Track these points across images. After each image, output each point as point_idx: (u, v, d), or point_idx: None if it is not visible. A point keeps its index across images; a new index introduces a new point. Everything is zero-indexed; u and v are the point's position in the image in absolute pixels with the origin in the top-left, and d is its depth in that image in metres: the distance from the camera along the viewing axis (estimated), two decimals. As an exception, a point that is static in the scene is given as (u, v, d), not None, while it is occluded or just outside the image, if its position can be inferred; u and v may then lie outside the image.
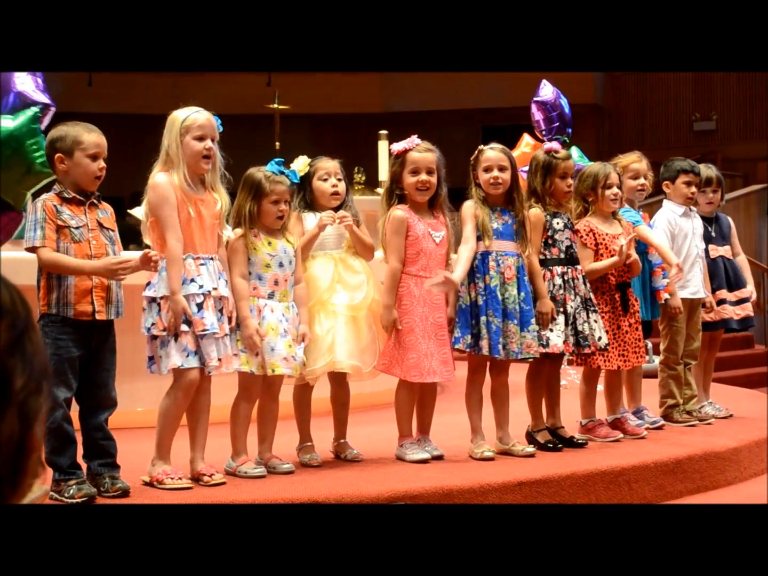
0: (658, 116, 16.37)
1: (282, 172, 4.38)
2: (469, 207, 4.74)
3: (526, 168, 5.21)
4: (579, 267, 5.00)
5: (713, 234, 6.06)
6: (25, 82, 4.98)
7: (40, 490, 1.12)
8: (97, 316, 3.89)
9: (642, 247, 5.48)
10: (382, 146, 8.38)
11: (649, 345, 7.49)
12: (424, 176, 4.57)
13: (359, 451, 4.67)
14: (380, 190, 5.96)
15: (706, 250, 5.98)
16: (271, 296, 4.34)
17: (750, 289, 6.07)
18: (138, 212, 4.40)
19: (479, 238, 4.70)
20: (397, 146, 4.65)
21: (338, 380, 4.69)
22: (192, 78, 13.86)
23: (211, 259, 4.16)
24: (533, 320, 4.72)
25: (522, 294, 4.70)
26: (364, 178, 9.66)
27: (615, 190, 5.18)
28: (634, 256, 5.18)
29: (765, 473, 5.20)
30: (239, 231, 4.35)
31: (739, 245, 6.23)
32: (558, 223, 4.96)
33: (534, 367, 5.01)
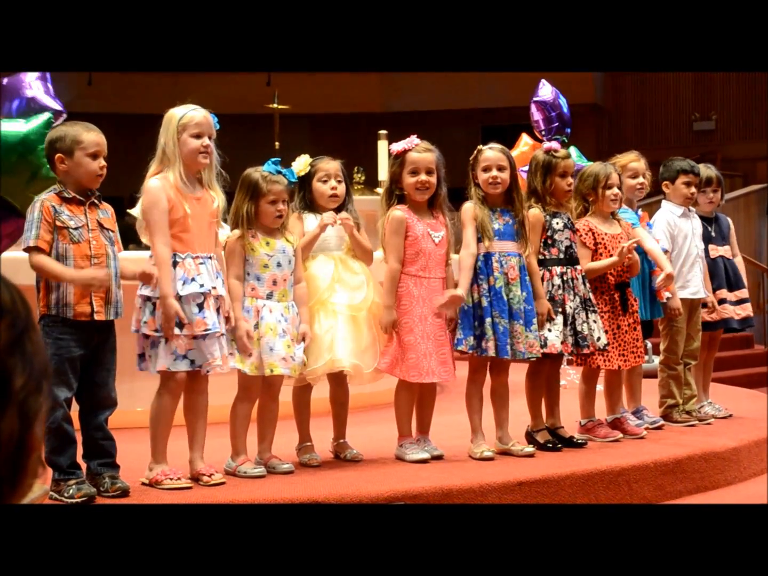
0: (657, 116, 16.36)
1: (279, 172, 4.37)
2: (468, 210, 4.74)
3: (526, 168, 5.21)
4: (578, 267, 5.00)
5: (713, 234, 6.06)
6: (36, 88, 4.99)
7: (40, 489, 1.13)
8: (96, 317, 3.89)
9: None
10: (382, 146, 8.37)
11: (649, 345, 7.49)
12: (423, 176, 4.57)
13: (359, 451, 4.67)
14: (380, 190, 5.96)
15: (706, 250, 5.98)
16: (269, 296, 4.34)
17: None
18: (136, 212, 4.41)
19: (479, 240, 4.70)
20: (397, 146, 4.65)
21: (338, 380, 4.68)
22: (192, 78, 13.86)
23: (210, 257, 4.16)
24: (534, 320, 4.73)
25: (524, 294, 4.70)
26: (363, 178, 9.66)
27: (615, 190, 5.18)
28: (635, 257, 5.18)
29: (765, 473, 5.20)
30: (237, 232, 4.35)
31: (737, 246, 6.23)
32: (557, 223, 4.96)
33: (533, 367, 5.01)
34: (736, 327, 6.19)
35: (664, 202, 5.93)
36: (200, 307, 4.06)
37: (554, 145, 5.13)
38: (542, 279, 4.89)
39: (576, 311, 4.91)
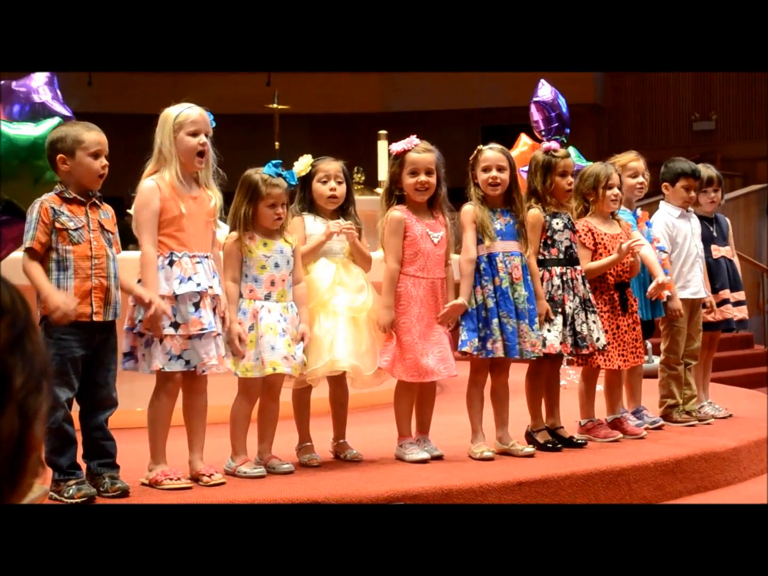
0: (657, 116, 16.37)
1: (279, 174, 4.36)
2: (467, 213, 4.73)
3: (525, 168, 5.20)
4: (578, 267, 5.00)
5: (715, 234, 6.07)
6: (44, 93, 5.00)
7: (39, 489, 1.13)
8: (95, 318, 3.89)
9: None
10: (382, 146, 8.38)
11: (649, 345, 7.49)
12: (423, 177, 4.57)
13: (359, 451, 4.67)
14: (380, 190, 5.96)
15: (709, 251, 5.98)
16: (267, 297, 4.34)
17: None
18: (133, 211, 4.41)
19: (480, 241, 4.69)
20: (396, 146, 4.65)
21: (337, 380, 4.68)
22: (192, 78, 13.85)
23: (206, 257, 4.16)
24: (536, 319, 4.74)
25: (527, 293, 4.71)
26: (363, 178, 9.66)
27: (616, 190, 5.18)
28: (637, 258, 5.18)
29: (764, 473, 5.20)
30: (234, 234, 4.35)
31: (734, 247, 6.24)
32: (557, 224, 4.96)
33: (533, 367, 5.01)
34: (735, 328, 6.22)
35: (662, 203, 5.93)
36: (196, 306, 4.06)
37: (553, 145, 5.13)
38: (542, 279, 4.89)
39: (575, 312, 4.91)
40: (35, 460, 1.07)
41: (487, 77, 13.97)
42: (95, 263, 3.90)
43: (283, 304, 4.36)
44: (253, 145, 12.96)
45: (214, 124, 4.22)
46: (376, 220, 4.77)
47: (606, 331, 5.06)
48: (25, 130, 4.83)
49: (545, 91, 6.93)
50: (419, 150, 4.60)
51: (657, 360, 6.02)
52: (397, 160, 4.62)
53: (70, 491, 3.82)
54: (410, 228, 4.59)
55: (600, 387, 5.40)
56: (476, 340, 4.62)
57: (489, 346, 4.61)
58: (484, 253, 4.69)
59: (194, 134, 4.11)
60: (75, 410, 3.97)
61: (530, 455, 4.71)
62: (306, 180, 4.62)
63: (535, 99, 6.92)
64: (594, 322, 4.96)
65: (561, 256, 4.96)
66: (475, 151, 4.80)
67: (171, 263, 4.06)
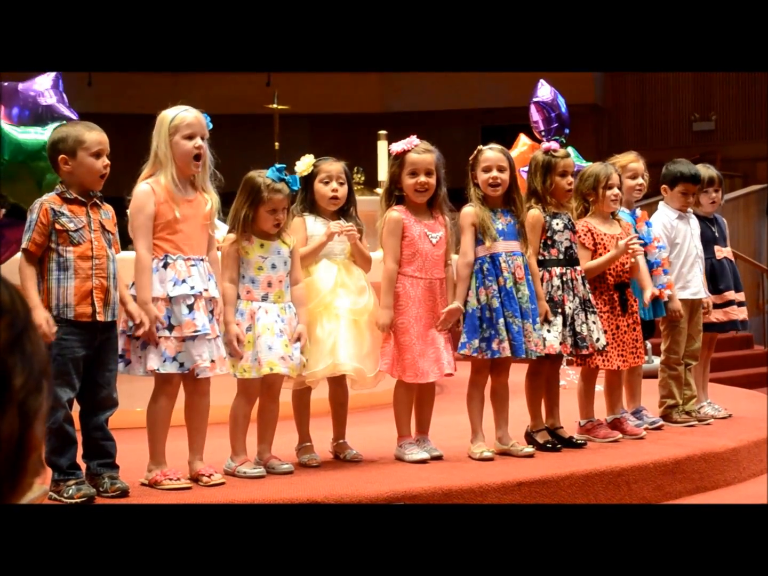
0: (657, 116, 16.37)
1: (282, 179, 4.35)
2: (467, 215, 4.72)
3: (525, 168, 5.20)
4: (578, 268, 5.00)
5: (716, 234, 6.07)
6: (49, 97, 5.01)
7: (39, 489, 1.12)
8: (97, 317, 3.89)
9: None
10: (382, 146, 8.37)
11: (649, 345, 7.49)
12: (422, 178, 4.57)
13: (358, 452, 4.66)
14: (379, 191, 5.96)
15: (712, 251, 5.99)
16: (264, 298, 4.34)
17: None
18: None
19: (481, 241, 4.69)
20: (396, 147, 4.65)
21: (337, 380, 4.68)
22: (192, 78, 13.86)
23: (202, 260, 4.15)
24: (538, 319, 4.74)
25: (529, 293, 4.71)
26: (363, 178, 9.66)
27: (616, 190, 5.18)
28: (637, 260, 5.17)
29: (764, 473, 5.20)
30: (231, 237, 4.35)
31: (730, 247, 6.27)
32: (557, 224, 4.96)
33: (533, 367, 5.01)
34: (739, 328, 6.25)
35: (660, 204, 5.94)
36: (190, 308, 4.05)
37: (553, 145, 5.13)
38: (542, 280, 4.89)
39: (575, 312, 4.91)
40: (35, 460, 1.07)
41: (487, 77, 13.96)
42: (96, 263, 3.91)
43: (281, 305, 4.36)
44: (253, 145, 12.97)
45: (210, 126, 4.20)
46: (376, 221, 4.76)
47: (605, 332, 5.05)
48: (34, 135, 4.85)
49: (545, 91, 6.93)
50: (419, 151, 4.59)
51: (657, 360, 6.02)
52: (397, 160, 4.62)
53: (70, 491, 3.82)
54: (408, 228, 4.59)
55: (600, 387, 5.41)
56: (476, 341, 4.61)
57: (495, 346, 4.61)
58: (486, 253, 4.68)
59: (190, 137, 4.10)
60: (75, 410, 3.97)
61: (530, 455, 4.71)
62: (307, 180, 4.62)
63: (534, 99, 6.92)
64: (594, 322, 4.96)
65: (561, 256, 4.96)
66: (475, 152, 4.80)
67: (165, 266, 4.06)
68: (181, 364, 4.05)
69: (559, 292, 4.90)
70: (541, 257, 4.94)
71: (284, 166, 4.42)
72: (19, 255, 4.02)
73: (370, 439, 5.09)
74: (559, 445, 4.88)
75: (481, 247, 4.69)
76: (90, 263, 3.90)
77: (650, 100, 16.38)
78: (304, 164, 4.63)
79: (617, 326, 5.16)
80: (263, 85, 13.17)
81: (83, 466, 3.95)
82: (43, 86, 5.00)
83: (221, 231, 4.47)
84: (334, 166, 4.63)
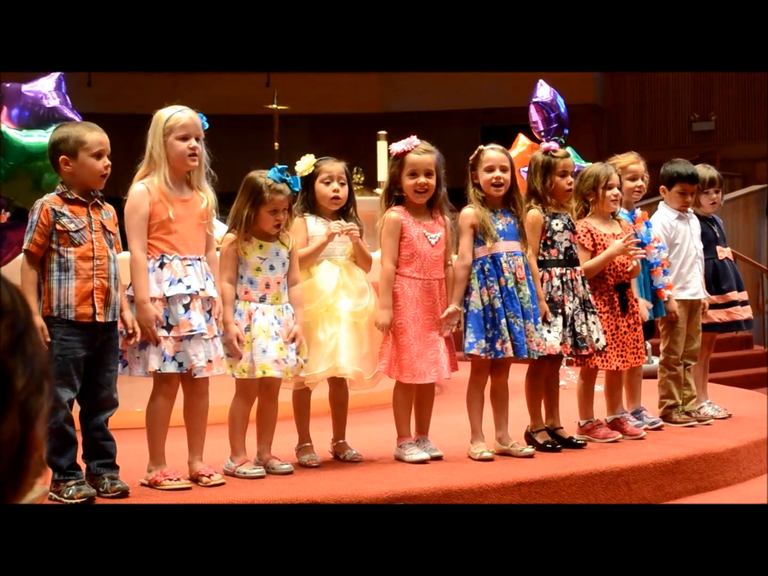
0: (657, 116, 16.37)
1: (284, 180, 4.35)
2: (467, 217, 4.72)
3: (524, 168, 5.20)
4: (578, 268, 5.00)
5: (717, 235, 6.08)
6: (52, 98, 5.01)
7: (40, 490, 1.12)
8: (98, 318, 3.89)
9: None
10: (381, 147, 8.37)
11: (648, 345, 7.49)
12: (422, 179, 4.56)
13: (358, 452, 4.66)
14: (379, 191, 5.96)
15: (714, 251, 5.99)
16: (262, 300, 4.34)
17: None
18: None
19: (482, 242, 4.69)
20: (396, 147, 4.64)
21: (337, 381, 4.68)
22: (192, 78, 13.86)
23: (199, 259, 4.15)
24: (539, 318, 4.74)
25: (530, 292, 4.71)
26: (363, 178, 9.66)
27: (616, 191, 5.18)
28: (637, 262, 5.17)
29: (764, 474, 5.20)
30: (230, 236, 4.35)
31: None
32: (557, 225, 4.96)
33: (533, 367, 5.01)
34: (743, 328, 6.26)
35: (660, 205, 5.94)
36: (186, 307, 4.05)
37: (552, 145, 5.13)
38: (542, 280, 4.89)
39: (575, 312, 4.91)
40: (36, 461, 1.07)
41: (487, 77, 13.96)
42: (97, 264, 3.91)
43: (278, 306, 4.36)
44: (252, 145, 12.97)
45: (206, 126, 4.20)
46: (375, 221, 4.76)
47: (605, 332, 5.05)
48: (37, 137, 4.85)
49: (544, 91, 6.93)
50: (419, 151, 4.59)
51: (656, 360, 6.02)
52: (397, 160, 4.61)
53: (70, 492, 3.82)
54: (407, 229, 4.59)
55: (599, 387, 5.41)
56: (483, 341, 4.61)
57: (498, 346, 4.61)
58: (487, 254, 4.68)
59: (184, 138, 4.10)
60: (75, 410, 3.97)
61: (530, 456, 4.71)
62: (308, 180, 4.62)
63: (534, 99, 6.92)
64: (594, 323, 4.96)
65: (561, 257, 4.96)
66: (476, 152, 4.79)
67: (162, 265, 4.06)
68: (180, 364, 4.05)
69: (559, 293, 4.90)
70: (540, 257, 4.94)
71: (285, 166, 4.42)
72: (21, 256, 4.02)
73: (370, 439, 5.09)
74: (559, 446, 4.88)
75: (482, 248, 4.69)
76: (91, 264, 3.90)
77: (650, 100, 16.38)
78: (305, 164, 4.63)
79: (617, 327, 5.16)
80: (263, 85, 13.16)
81: (83, 466, 3.95)
82: (46, 88, 5.00)
83: (219, 231, 4.47)
84: (335, 167, 4.63)
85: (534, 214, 4.92)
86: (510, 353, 4.61)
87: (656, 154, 9.78)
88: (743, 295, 6.10)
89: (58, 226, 3.87)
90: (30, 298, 3.80)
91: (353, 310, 4.52)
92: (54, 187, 4.04)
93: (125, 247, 4.33)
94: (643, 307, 5.42)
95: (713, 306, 5.94)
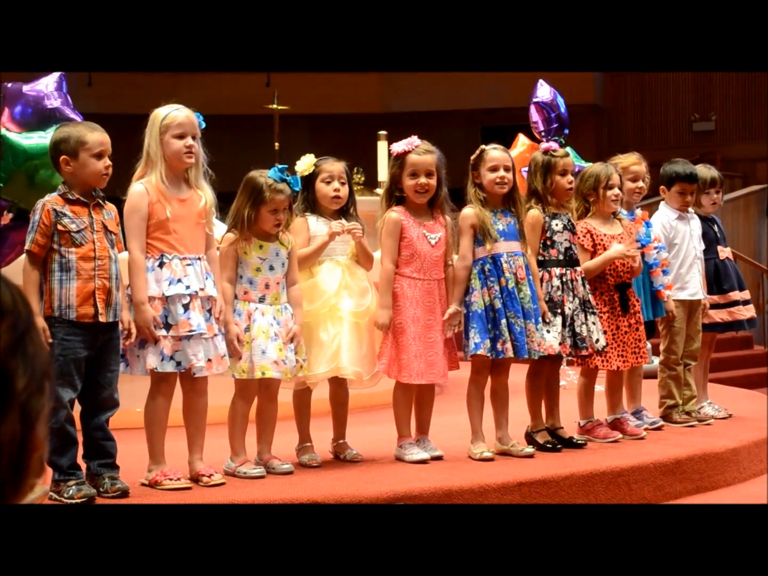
0: (657, 116, 16.37)
1: (284, 180, 4.35)
2: (467, 218, 4.72)
3: (525, 168, 5.20)
4: (578, 269, 5.00)
5: (718, 235, 6.08)
6: (54, 99, 5.01)
7: (40, 490, 1.12)
8: (100, 318, 3.90)
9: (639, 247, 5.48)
10: (382, 147, 8.37)
11: (649, 346, 7.49)
12: (423, 179, 4.56)
13: (358, 452, 4.67)
14: (379, 191, 5.96)
15: (716, 251, 5.99)
16: (261, 300, 4.34)
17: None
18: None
19: (482, 242, 4.69)
20: (397, 147, 4.64)
21: (338, 380, 4.68)
22: (192, 78, 13.86)
23: (198, 259, 4.15)
24: (540, 318, 4.74)
25: (531, 292, 4.71)
26: (363, 178, 9.66)
27: (616, 191, 5.18)
28: (639, 262, 5.18)
29: (764, 473, 5.20)
30: (230, 236, 4.35)
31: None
32: (557, 225, 4.96)
33: (533, 367, 5.01)
34: (746, 327, 6.26)
35: (661, 205, 5.95)
36: (185, 307, 4.05)
37: (552, 145, 5.13)
38: (541, 280, 4.89)
39: (575, 313, 4.91)
40: (37, 461, 1.07)
41: (487, 77, 13.96)
42: (98, 264, 3.91)
43: (277, 306, 4.36)
44: (252, 145, 12.97)
45: (203, 126, 4.20)
46: (376, 221, 4.76)
47: (605, 332, 5.05)
48: (37, 139, 4.85)
49: (544, 91, 6.93)
50: (419, 151, 4.59)
51: (656, 360, 6.02)
52: (398, 161, 4.61)
53: (70, 491, 3.82)
54: (407, 230, 4.59)
55: (600, 387, 5.40)
56: (488, 341, 4.62)
57: (499, 346, 4.61)
58: (487, 254, 4.68)
59: (180, 137, 4.10)
60: (75, 410, 3.97)
61: (530, 456, 4.71)
62: (308, 180, 4.62)
63: (534, 99, 6.93)
64: (593, 323, 4.96)
65: (560, 257, 4.96)
66: (478, 151, 4.78)
67: (161, 265, 4.06)
68: (178, 363, 4.05)
69: (559, 293, 4.90)
70: (540, 258, 4.94)
71: (286, 166, 4.42)
72: (23, 257, 4.03)
73: (370, 439, 5.09)
74: (559, 446, 4.88)
75: (482, 248, 4.69)
76: (92, 264, 3.90)
77: (650, 100, 16.39)
78: (305, 164, 4.63)
79: (617, 327, 5.16)
80: (263, 86, 13.17)
81: (83, 466, 3.95)
82: (47, 88, 5.00)
83: (219, 230, 4.47)
84: (335, 166, 4.63)
85: (534, 214, 4.92)
86: (510, 353, 4.61)
87: (656, 154, 9.78)
88: (745, 295, 6.10)
89: (59, 227, 3.87)
90: (32, 298, 3.80)
91: (355, 310, 4.52)
92: (48, 184, 4.05)
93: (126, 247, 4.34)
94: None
95: (715, 306, 5.94)
